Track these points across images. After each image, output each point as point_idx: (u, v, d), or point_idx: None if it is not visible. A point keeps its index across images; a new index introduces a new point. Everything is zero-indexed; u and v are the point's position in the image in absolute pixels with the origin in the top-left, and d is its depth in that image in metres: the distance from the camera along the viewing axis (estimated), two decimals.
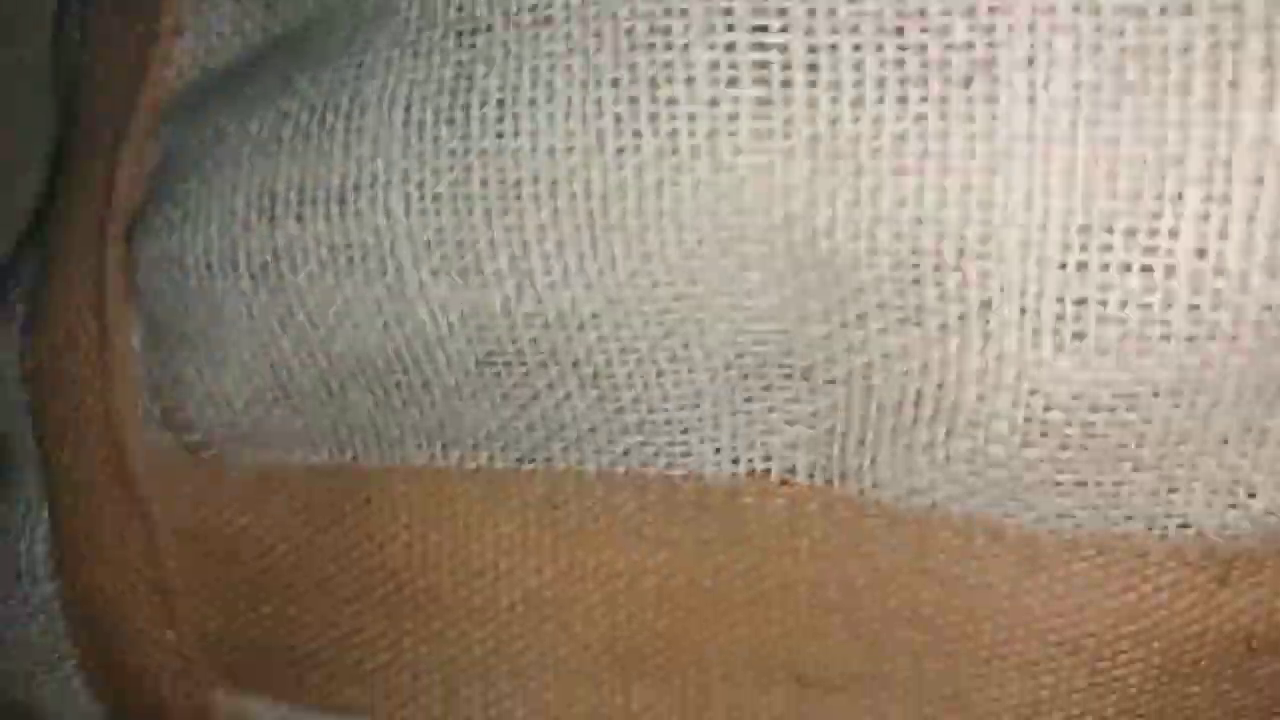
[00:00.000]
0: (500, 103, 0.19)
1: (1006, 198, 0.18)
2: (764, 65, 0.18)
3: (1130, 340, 0.18)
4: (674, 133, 0.18)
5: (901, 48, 0.18)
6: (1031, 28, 0.17)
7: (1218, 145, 0.17)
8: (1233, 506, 0.19)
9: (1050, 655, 0.21)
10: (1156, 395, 0.18)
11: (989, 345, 0.18)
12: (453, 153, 0.19)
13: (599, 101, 0.19)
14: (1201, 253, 0.17)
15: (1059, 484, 0.19)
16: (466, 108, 0.19)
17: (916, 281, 0.18)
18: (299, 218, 0.20)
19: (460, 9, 0.19)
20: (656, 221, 0.19)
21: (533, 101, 0.19)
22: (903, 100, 0.18)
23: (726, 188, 0.19)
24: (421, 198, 0.19)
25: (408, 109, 0.19)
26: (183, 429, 0.22)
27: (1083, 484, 0.19)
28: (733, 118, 0.18)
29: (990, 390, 0.19)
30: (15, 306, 0.23)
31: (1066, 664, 0.21)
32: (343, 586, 0.22)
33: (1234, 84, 0.17)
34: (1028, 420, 0.19)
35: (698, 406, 0.21)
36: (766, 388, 0.20)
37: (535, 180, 0.19)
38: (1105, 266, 0.18)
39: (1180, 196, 0.17)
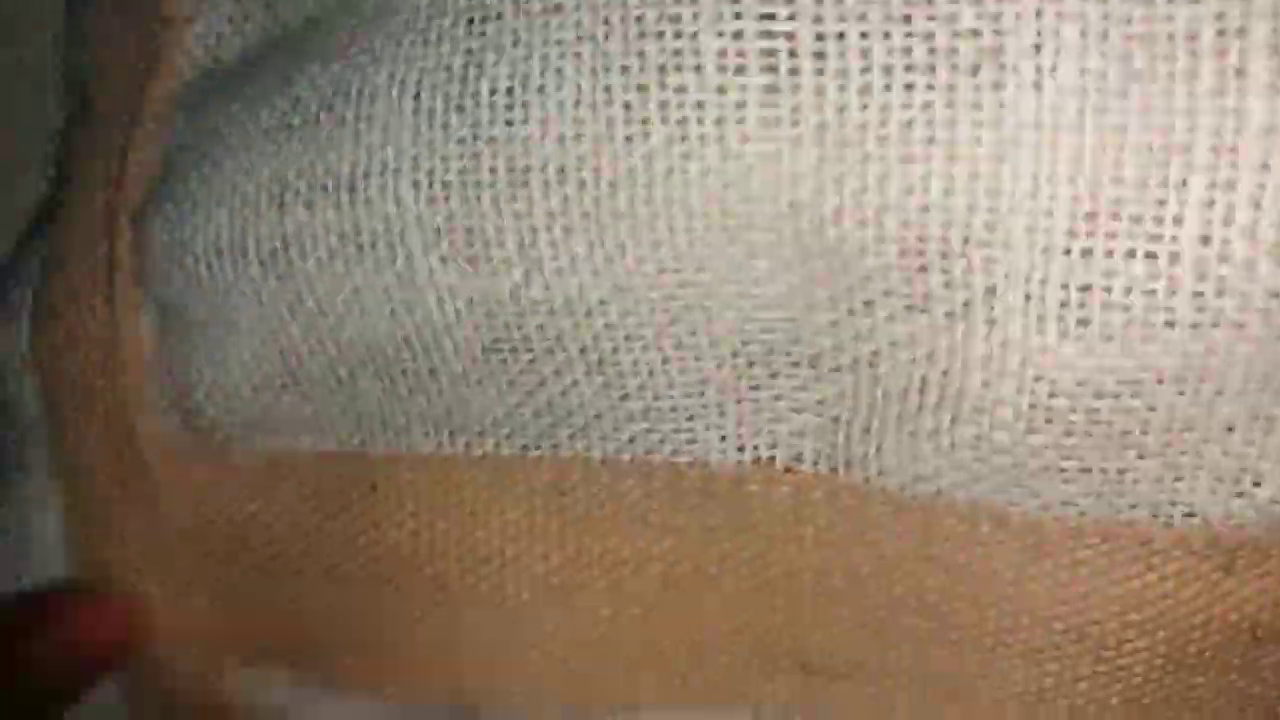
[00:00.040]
0: (510, 90, 0.19)
1: (1013, 185, 0.18)
2: (771, 53, 0.18)
3: (1135, 327, 0.18)
4: (683, 121, 0.19)
5: (909, 35, 0.18)
6: (1039, 15, 0.17)
7: (1224, 132, 0.17)
8: (1238, 495, 0.19)
9: (1055, 643, 0.21)
10: (1161, 382, 0.18)
11: (994, 332, 0.19)
12: (462, 140, 0.19)
13: (608, 89, 0.19)
14: (1206, 239, 0.17)
15: (1064, 470, 0.19)
16: (476, 95, 0.19)
17: (923, 269, 0.18)
18: (308, 205, 0.20)
19: None
20: (665, 209, 0.19)
21: (542, 89, 0.19)
22: (910, 88, 0.18)
23: (734, 175, 0.19)
24: (431, 185, 0.19)
25: (417, 96, 0.19)
26: (192, 415, 0.22)
27: (1087, 471, 0.19)
28: (740, 106, 0.18)
29: (995, 376, 0.19)
30: (18, 305, 0.23)
31: (1071, 652, 0.21)
32: (351, 572, 0.22)
33: (1240, 71, 0.17)
34: (1032, 406, 0.19)
35: (704, 394, 0.21)
36: (773, 375, 0.20)
37: (544, 167, 0.19)
38: (1110, 253, 0.18)
39: (1185, 184, 0.17)
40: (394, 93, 0.19)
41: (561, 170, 0.19)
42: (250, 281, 0.21)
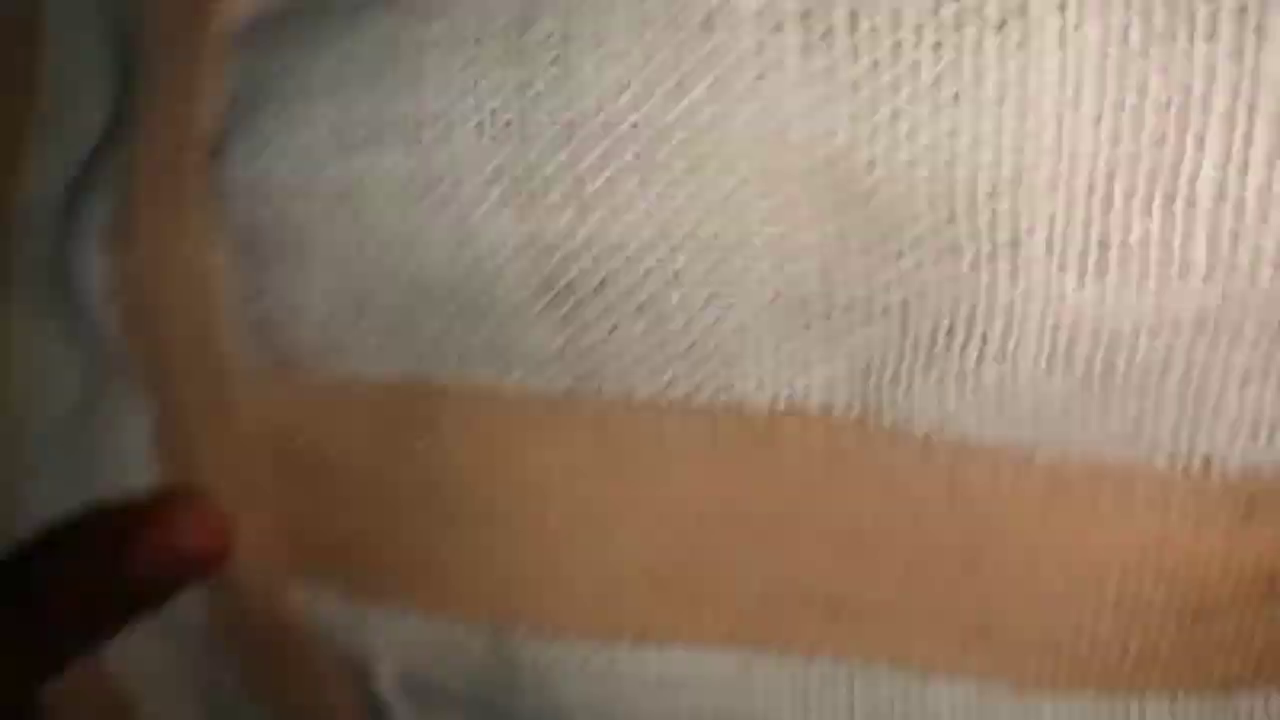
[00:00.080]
0: (559, 44, 0.20)
1: (1036, 139, 0.19)
2: (807, 15, 0.19)
3: (1151, 276, 0.19)
4: (723, 76, 0.20)
5: None
6: None
7: (1242, 90, 0.18)
8: (1255, 442, 0.20)
9: (1074, 591, 0.22)
10: (1177, 330, 0.19)
11: (1017, 279, 0.19)
12: (513, 91, 0.20)
13: (652, 45, 0.20)
14: (1222, 193, 0.18)
15: (1084, 414, 0.20)
16: (526, 48, 0.20)
17: (950, 218, 0.19)
18: (371, 150, 0.21)
19: None
20: (705, 161, 0.20)
21: (590, 44, 0.20)
22: (938, 46, 0.19)
23: (772, 129, 0.20)
24: (484, 133, 0.21)
25: (471, 51, 0.21)
26: (269, 341, 0.24)
27: (1107, 414, 0.20)
28: (778, 63, 0.19)
29: (1018, 322, 0.20)
30: (90, 234, 0.25)
31: (1090, 600, 0.22)
32: (407, 496, 0.24)
33: (1259, 30, 0.18)
34: (1052, 351, 0.20)
35: (742, 339, 0.22)
36: (807, 324, 0.21)
37: (591, 118, 0.20)
38: (1128, 205, 0.19)
39: (1203, 140, 0.18)
40: (448, 47, 0.21)
41: (608, 120, 0.20)
42: (319, 220, 0.22)
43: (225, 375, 0.24)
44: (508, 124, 0.21)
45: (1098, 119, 0.18)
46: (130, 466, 0.26)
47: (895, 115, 0.19)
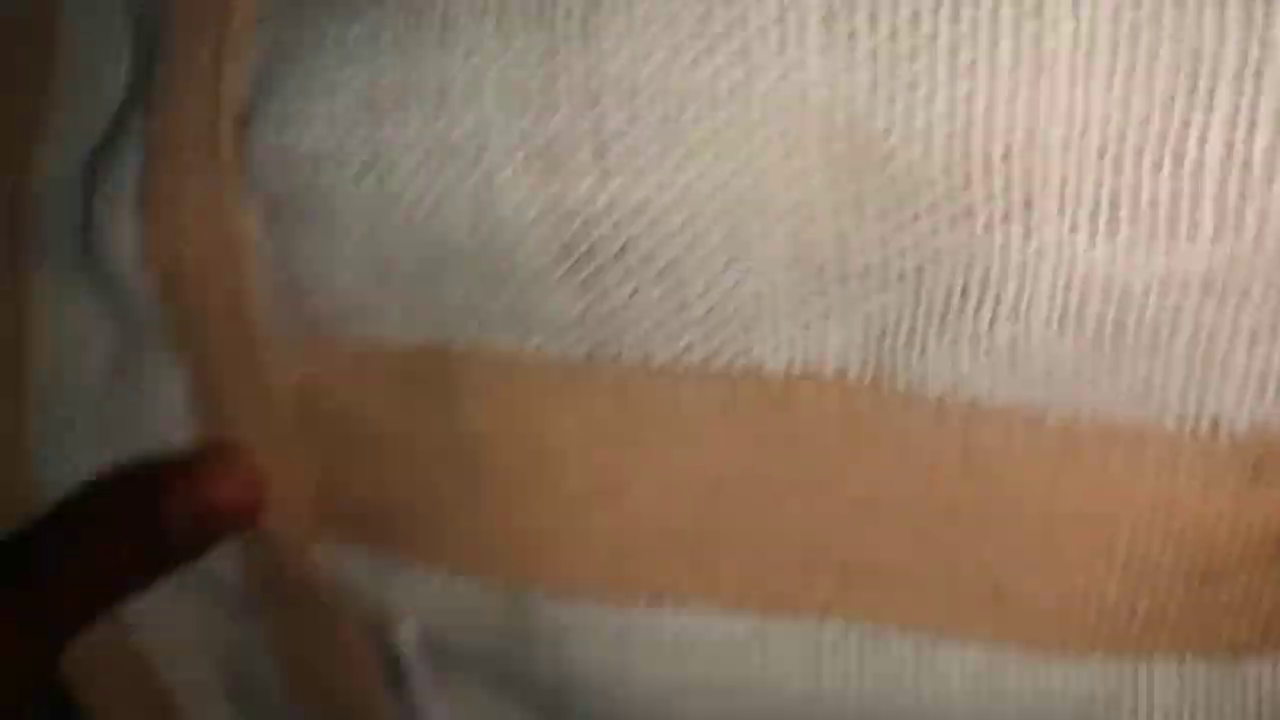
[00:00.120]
0: (585, 11, 0.21)
1: (1050, 102, 0.19)
2: None
3: (1160, 235, 0.19)
4: (745, 44, 0.20)
5: None
6: None
7: (1250, 56, 0.19)
8: (1262, 403, 0.21)
9: (1084, 553, 0.22)
10: (1185, 290, 0.20)
11: (1029, 240, 0.20)
12: (540, 57, 0.21)
13: (676, 13, 0.20)
14: (1230, 155, 0.19)
15: (1095, 375, 0.21)
16: (553, 17, 0.21)
17: (966, 183, 0.20)
18: (399, 116, 0.22)
19: None
20: (727, 126, 0.21)
21: (615, 10, 0.20)
22: (955, 14, 0.19)
23: (793, 95, 0.20)
24: (511, 99, 0.21)
25: (498, 18, 0.21)
26: (297, 307, 0.24)
27: (1117, 374, 0.21)
28: (800, 30, 0.20)
29: (1031, 281, 0.20)
30: (119, 198, 0.25)
31: (1100, 562, 0.22)
32: (429, 458, 0.24)
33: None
34: (1064, 312, 0.20)
35: (759, 305, 0.22)
36: (823, 289, 0.22)
37: (616, 84, 0.21)
38: (1138, 166, 0.19)
39: (1211, 104, 0.19)
40: (475, 14, 0.21)
41: (632, 87, 0.21)
42: (347, 186, 0.23)
43: (256, 340, 0.25)
44: (532, 90, 0.21)
45: (1109, 83, 0.19)
46: (167, 428, 0.26)
47: (913, 82, 0.20)
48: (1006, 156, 0.20)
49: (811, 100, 0.20)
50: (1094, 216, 0.20)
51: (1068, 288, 0.20)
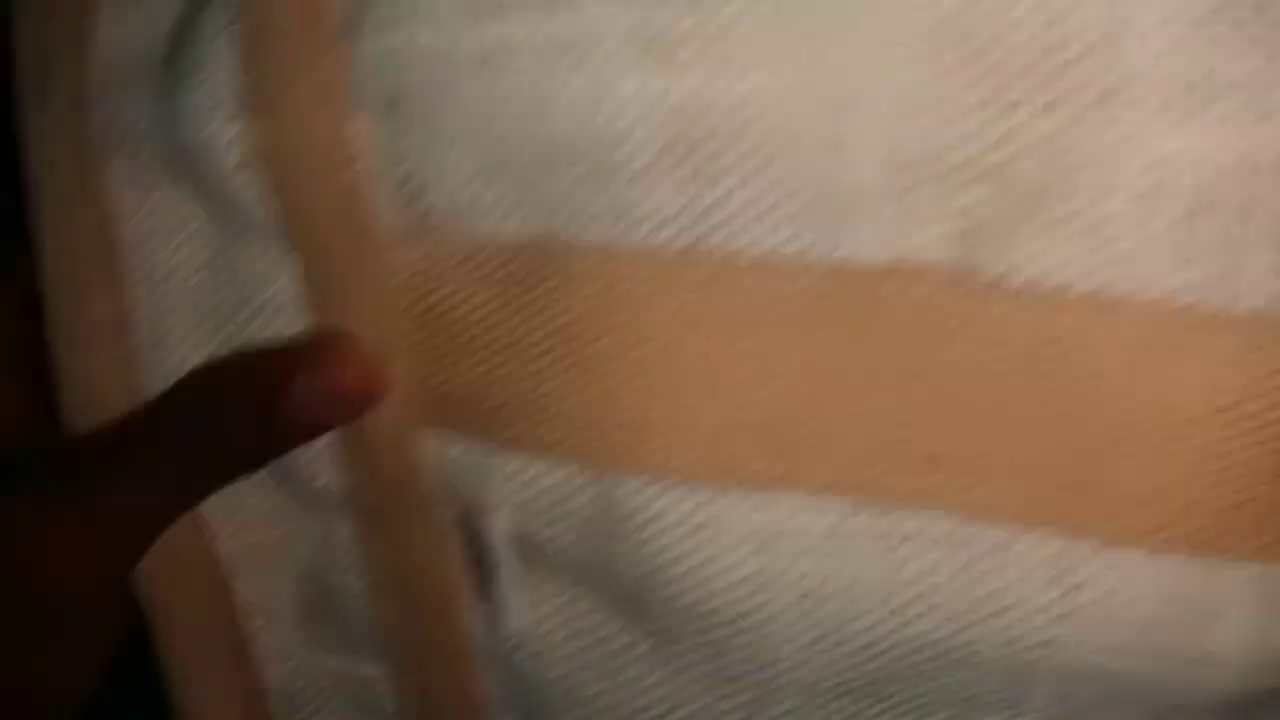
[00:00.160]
0: None
1: None
2: None
3: (1244, 112, 0.20)
4: None
5: None
6: None
7: None
8: None
9: (1161, 446, 0.23)
10: (1258, 173, 0.21)
11: (1115, 127, 0.21)
12: None
13: None
14: None
15: (1175, 258, 0.22)
16: None
17: (1062, 67, 0.21)
18: (511, 15, 0.23)
19: None
20: (828, 20, 0.22)
21: None
22: None
23: None
24: None
25: None
26: (408, 204, 0.25)
27: (1196, 258, 0.22)
28: None
29: (1122, 160, 0.21)
30: (218, 98, 0.26)
31: (1176, 457, 0.23)
32: (531, 348, 0.25)
33: None
34: (1146, 195, 0.21)
35: (854, 198, 0.23)
36: (917, 183, 0.23)
37: None
38: (1222, 50, 0.20)
39: None
40: None
41: None
42: (459, 85, 0.24)
43: (367, 236, 0.26)
44: None
45: None
46: (275, 319, 0.27)
47: None
48: (1096, 45, 0.21)
49: None
50: (1177, 101, 0.21)
51: (1150, 171, 0.21)
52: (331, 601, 0.30)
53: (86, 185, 0.28)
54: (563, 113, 0.23)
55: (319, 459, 0.28)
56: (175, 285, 0.28)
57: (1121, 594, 0.24)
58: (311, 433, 0.26)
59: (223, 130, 0.26)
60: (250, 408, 0.26)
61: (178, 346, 0.28)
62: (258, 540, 0.30)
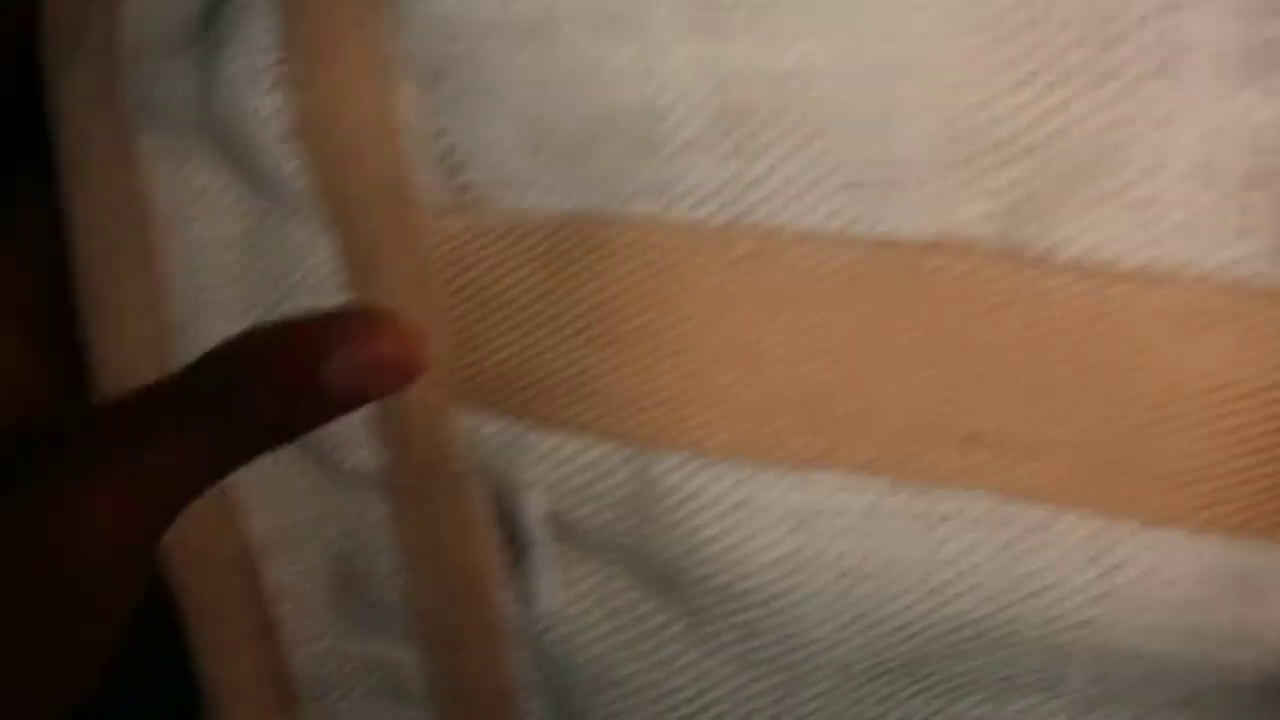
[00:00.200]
0: None
1: None
2: None
3: None
4: None
5: None
6: None
7: None
8: None
9: (1206, 421, 0.23)
10: None
11: (1171, 95, 0.21)
12: None
13: None
14: None
15: (1227, 230, 0.22)
16: None
17: (1120, 36, 0.21)
18: None
19: None
20: None
21: None
22: None
23: None
24: None
25: None
26: (451, 176, 0.25)
27: (1253, 232, 0.22)
28: None
29: (1180, 129, 0.21)
30: (257, 67, 0.25)
31: (1222, 429, 0.23)
32: (570, 324, 0.25)
33: None
34: (1208, 159, 0.21)
35: (901, 172, 0.23)
36: (966, 157, 0.23)
37: None
38: (1274, 17, 0.20)
39: None
40: None
41: None
42: (507, 56, 0.24)
43: (408, 210, 0.25)
44: None
45: None
46: (314, 291, 0.27)
47: None
48: (1153, 13, 0.21)
49: None
50: (1235, 69, 0.21)
51: (1205, 142, 0.21)
52: (362, 583, 0.30)
53: (117, 157, 0.27)
54: (610, 83, 0.23)
55: (352, 438, 0.28)
56: (210, 260, 0.28)
57: (1161, 574, 0.24)
58: (348, 405, 0.26)
59: (263, 102, 0.25)
60: (276, 380, 0.26)
61: (213, 322, 0.28)
62: (291, 520, 0.30)
